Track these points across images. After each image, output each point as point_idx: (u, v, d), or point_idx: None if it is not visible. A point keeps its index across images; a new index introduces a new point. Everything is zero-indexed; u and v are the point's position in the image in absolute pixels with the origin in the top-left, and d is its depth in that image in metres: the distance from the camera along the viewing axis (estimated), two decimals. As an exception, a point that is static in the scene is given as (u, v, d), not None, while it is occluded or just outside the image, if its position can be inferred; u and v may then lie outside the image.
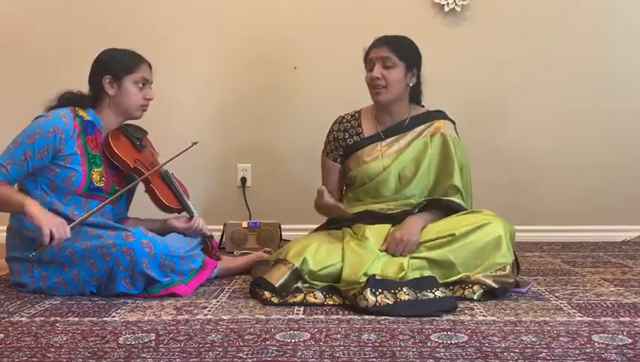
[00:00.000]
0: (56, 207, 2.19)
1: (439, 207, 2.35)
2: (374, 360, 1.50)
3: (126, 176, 2.37)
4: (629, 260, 2.85)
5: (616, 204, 3.49)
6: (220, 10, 3.47)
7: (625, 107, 3.48)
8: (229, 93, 3.51)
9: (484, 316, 1.88)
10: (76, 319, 1.86)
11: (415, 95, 2.51)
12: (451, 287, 2.11)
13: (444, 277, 2.14)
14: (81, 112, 2.29)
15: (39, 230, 2.00)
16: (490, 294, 2.09)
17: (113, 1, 3.44)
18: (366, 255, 2.18)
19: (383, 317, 1.85)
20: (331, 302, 2.03)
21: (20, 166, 2.17)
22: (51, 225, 2.01)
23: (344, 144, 2.51)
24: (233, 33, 3.47)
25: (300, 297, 2.05)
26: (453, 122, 2.53)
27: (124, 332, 1.72)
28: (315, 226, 2.57)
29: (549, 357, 1.51)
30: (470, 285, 2.10)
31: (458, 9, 3.42)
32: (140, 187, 2.39)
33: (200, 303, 2.06)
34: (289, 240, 2.74)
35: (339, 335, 1.68)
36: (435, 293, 2.01)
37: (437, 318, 1.84)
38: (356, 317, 1.88)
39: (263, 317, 1.88)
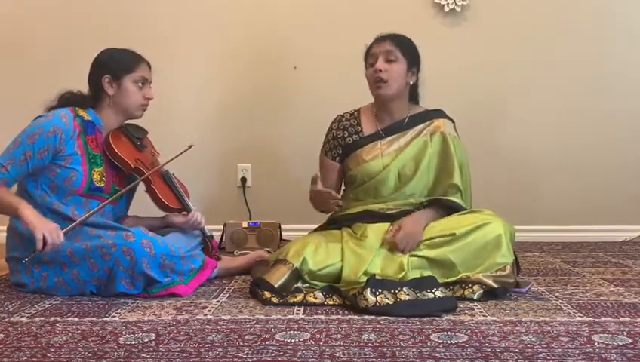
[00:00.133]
0: (57, 207, 2.19)
1: (440, 206, 2.36)
2: (374, 360, 1.50)
3: (126, 176, 2.36)
4: (629, 260, 2.85)
5: (616, 204, 3.49)
6: (220, 10, 3.47)
7: (625, 107, 3.48)
8: (229, 93, 3.51)
9: (484, 316, 1.88)
10: (76, 319, 1.86)
11: (413, 95, 2.52)
12: (451, 287, 2.11)
13: (444, 277, 2.14)
14: (81, 112, 2.29)
15: (32, 234, 2.00)
16: (490, 294, 2.09)
17: (113, 1, 3.44)
18: (365, 254, 2.18)
19: (383, 317, 1.85)
20: (331, 302, 2.03)
21: (19, 166, 2.17)
22: (44, 230, 2.00)
23: (343, 143, 2.51)
24: (233, 33, 3.48)
25: (299, 297, 2.05)
26: (453, 121, 2.53)
27: (124, 332, 1.72)
28: (315, 226, 2.57)
29: (549, 357, 1.51)
30: (470, 285, 2.10)
31: (458, 9, 3.42)
32: (141, 187, 2.39)
33: (200, 303, 2.06)
34: (289, 240, 2.74)
35: (339, 335, 1.68)
36: (435, 293, 2.01)
37: (437, 318, 1.84)
38: (356, 317, 1.88)
39: (263, 317, 1.88)
